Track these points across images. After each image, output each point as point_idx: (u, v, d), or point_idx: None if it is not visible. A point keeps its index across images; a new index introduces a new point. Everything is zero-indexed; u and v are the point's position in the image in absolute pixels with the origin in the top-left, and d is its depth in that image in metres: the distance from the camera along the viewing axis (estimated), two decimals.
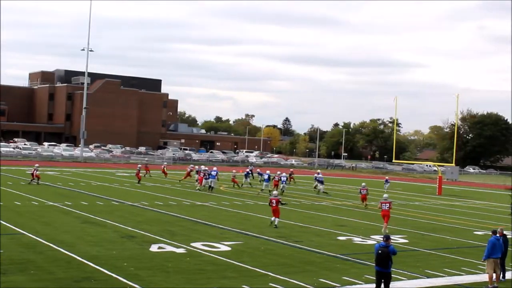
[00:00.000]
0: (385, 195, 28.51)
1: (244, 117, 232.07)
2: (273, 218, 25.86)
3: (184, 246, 19.78)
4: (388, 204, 26.38)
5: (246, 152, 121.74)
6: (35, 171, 40.55)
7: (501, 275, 17.08)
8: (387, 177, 56.55)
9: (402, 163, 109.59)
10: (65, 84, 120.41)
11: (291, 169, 61.85)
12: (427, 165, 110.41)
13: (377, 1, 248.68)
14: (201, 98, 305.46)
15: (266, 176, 43.15)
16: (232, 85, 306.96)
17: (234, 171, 49.69)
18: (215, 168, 42.99)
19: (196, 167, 48.51)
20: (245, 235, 23.07)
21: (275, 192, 28.64)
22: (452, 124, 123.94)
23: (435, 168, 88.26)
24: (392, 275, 14.71)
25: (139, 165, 48.82)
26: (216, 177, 41.60)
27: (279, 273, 16.58)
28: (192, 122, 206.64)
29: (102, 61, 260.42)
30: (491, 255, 16.24)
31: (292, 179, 52.51)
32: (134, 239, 20.78)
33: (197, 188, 41.98)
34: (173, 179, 50.84)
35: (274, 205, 25.80)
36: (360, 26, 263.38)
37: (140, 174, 46.32)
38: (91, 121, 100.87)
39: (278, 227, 25.34)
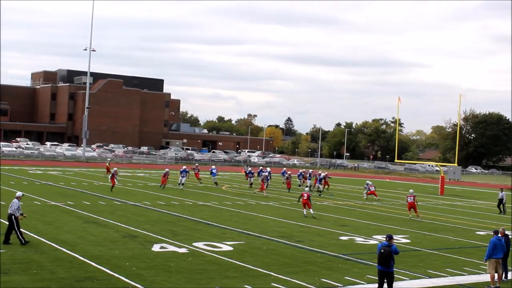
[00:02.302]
0: (410, 190, 32.67)
1: (246, 117, 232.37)
2: (305, 211, 29.40)
3: (186, 246, 19.79)
4: (412, 197, 30.77)
5: (248, 152, 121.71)
6: (113, 176, 38.05)
7: (504, 275, 17.06)
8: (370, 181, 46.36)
9: (404, 163, 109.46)
10: (67, 84, 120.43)
11: (326, 172, 52.20)
12: (429, 165, 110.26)
13: (379, 1, 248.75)
14: (203, 98, 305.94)
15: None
16: (235, 85, 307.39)
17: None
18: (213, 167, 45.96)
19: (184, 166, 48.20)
20: (247, 235, 23.08)
21: (306, 188, 31.98)
22: (454, 124, 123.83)
23: (437, 168, 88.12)
24: (395, 275, 14.71)
25: (167, 169, 43.85)
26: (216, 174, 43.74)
27: (281, 273, 16.58)
28: (194, 122, 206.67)
29: (104, 61, 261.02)
30: (493, 255, 16.23)
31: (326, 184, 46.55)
32: (136, 239, 20.80)
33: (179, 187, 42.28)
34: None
35: (305, 198, 29.30)
36: (362, 26, 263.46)
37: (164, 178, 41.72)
38: (93, 120, 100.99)
39: (282, 229, 25.39)
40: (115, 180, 38.00)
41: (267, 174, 45.37)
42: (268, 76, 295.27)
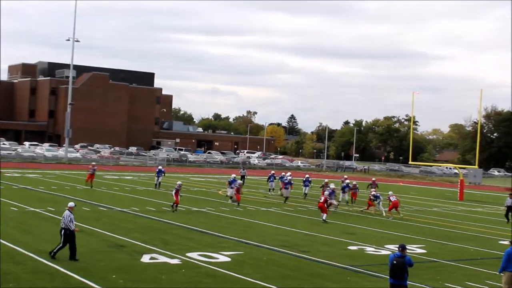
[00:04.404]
0: (390, 192, 36.39)
1: (245, 114, 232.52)
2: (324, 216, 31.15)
3: (179, 256, 19.80)
4: (395, 197, 34.78)
5: (247, 152, 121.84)
6: (177, 191, 32.67)
7: None
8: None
9: (419, 165, 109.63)
10: (48, 78, 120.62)
11: (374, 178, 50.03)
12: (447, 168, 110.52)
13: None
14: (199, 94, 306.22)
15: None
16: (234, 79, 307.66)
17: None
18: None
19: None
20: (246, 244, 23.10)
21: (327, 192, 34.58)
22: (474, 122, 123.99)
23: (456, 171, 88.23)
24: None
25: (234, 175, 40.54)
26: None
27: (284, 286, 16.58)
28: (188, 119, 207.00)
29: (89, 52, 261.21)
30: (507, 268, 15.97)
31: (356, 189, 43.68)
32: (123, 249, 20.81)
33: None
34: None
35: (321, 201, 31.59)
36: (375, 13, 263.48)
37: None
38: (77, 118, 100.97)
39: (284, 237, 25.43)
40: (178, 196, 32.75)
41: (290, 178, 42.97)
42: (271, 69, 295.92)
